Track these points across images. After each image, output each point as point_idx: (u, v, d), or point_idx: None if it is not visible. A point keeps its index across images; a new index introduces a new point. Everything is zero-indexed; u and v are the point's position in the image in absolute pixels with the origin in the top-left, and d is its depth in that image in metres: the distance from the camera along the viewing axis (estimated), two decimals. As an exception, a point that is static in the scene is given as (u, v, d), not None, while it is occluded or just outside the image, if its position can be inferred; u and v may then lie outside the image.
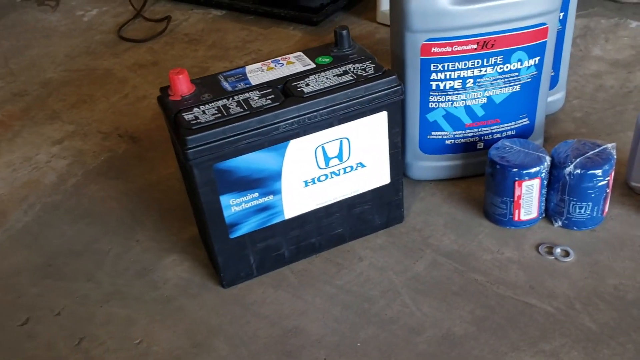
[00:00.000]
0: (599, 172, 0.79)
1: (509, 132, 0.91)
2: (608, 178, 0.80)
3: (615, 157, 0.81)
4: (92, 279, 0.87)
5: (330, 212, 0.82)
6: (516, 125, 0.90)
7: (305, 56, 0.81)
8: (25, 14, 1.71)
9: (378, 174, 0.82)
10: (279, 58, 0.82)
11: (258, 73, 0.79)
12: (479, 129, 0.89)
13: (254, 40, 1.44)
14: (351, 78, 0.75)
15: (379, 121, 0.77)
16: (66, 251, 0.92)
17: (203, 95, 0.75)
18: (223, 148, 0.70)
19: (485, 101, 0.87)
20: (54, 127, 1.20)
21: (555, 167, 0.81)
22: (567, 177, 0.80)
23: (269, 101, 0.73)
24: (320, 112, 0.73)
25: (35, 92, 1.33)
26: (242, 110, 0.71)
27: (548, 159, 0.81)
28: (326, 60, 0.80)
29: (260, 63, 0.81)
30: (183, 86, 0.75)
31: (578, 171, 0.79)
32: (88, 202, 1.00)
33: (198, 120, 0.70)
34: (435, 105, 0.87)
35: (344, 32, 0.80)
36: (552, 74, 1.00)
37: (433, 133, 0.89)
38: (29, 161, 1.12)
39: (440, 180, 0.94)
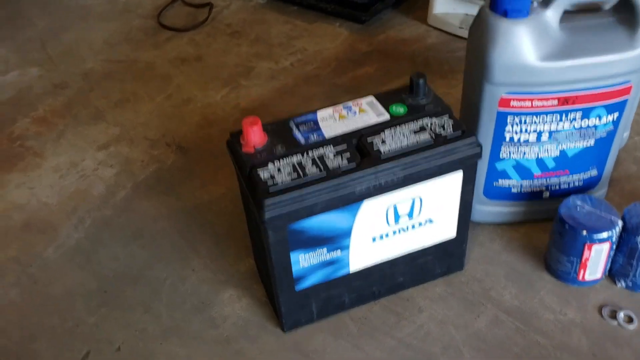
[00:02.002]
0: (673, 242, 0.77)
1: (576, 183, 0.89)
2: (681, 248, 0.78)
3: (689, 224, 0.79)
4: (149, 310, 0.86)
5: (393, 264, 0.80)
6: (584, 177, 0.88)
7: (377, 102, 0.79)
8: (59, -11, 1.66)
9: (445, 229, 0.80)
10: (350, 104, 0.79)
11: (330, 122, 0.76)
12: (547, 179, 0.87)
13: (299, 36, 1.40)
14: (429, 137, 0.73)
15: (454, 180, 0.75)
16: (121, 276, 0.91)
17: (276, 147, 0.73)
18: (298, 211, 0.69)
19: (558, 154, 0.84)
20: (98, 128, 1.18)
21: (626, 231, 0.79)
22: (639, 244, 0.78)
23: (345, 161, 0.70)
24: (397, 174, 0.71)
25: (76, 84, 1.30)
26: (318, 170, 0.69)
27: (620, 223, 0.79)
28: (400, 110, 0.77)
29: (332, 108, 0.78)
30: (257, 138, 0.73)
31: (652, 240, 0.77)
32: (139, 220, 0.99)
33: (274, 182, 0.68)
34: (507, 155, 0.84)
35: (421, 80, 0.77)
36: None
37: (500, 181, 0.87)
38: (76, 167, 1.10)
39: (499, 223, 0.93)
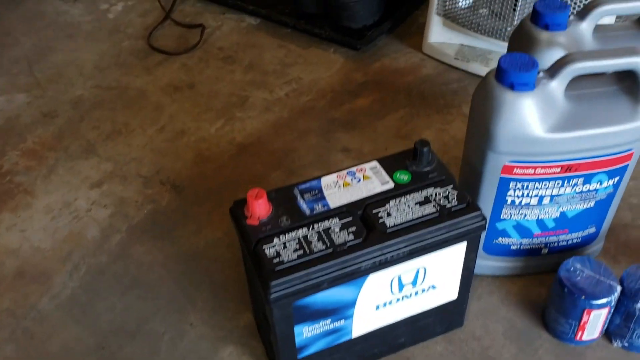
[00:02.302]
0: (671, 310, 0.78)
1: (575, 240, 0.89)
2: (678, 314, 0.79)
3: (686, 290, 0.80)
4: (148, 369, 0.86)
5: (395, 327, 0.81)
6: (583, 234, 0.89)
7: (381, 168, 0.78)
8: (44, 2, 1.62)
9: (447, 292, 0.81)
10: (354, 169, 0.78)
11: (335, 190, 0.76)
12: (546, 238, 0.88)
13: (293, 63, 1.38)
14: (434, 210, 0.73)
15: (458, 250, 0.75)
16: (118, 330, 0.90)
17: (281, 218, 0.72)
18: (304, 289, 0.68)
19: (558, 215, 0.85)
20: (90, 163, 1.16)
21: (624, 295, 0.80)
22: (637, 311, 0.79)
23: (351, 236, 0.70)
24: (403, 249, 0.71)
25: (66, 113, 1.28)
26: (324, 247, 0.69)
27: (619, 288, 0.80)
28: (404, 177, 0.77)
29: (336, 175, 0.78)
30: (262, 210, 0.72)
31: (650, 307, 0.78)
32: (135, 268, 0.98)
33: (280, 259, 0.68)
34: (507, 216, 0.84)
35: (425, 149, 0.77)
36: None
37: (500, 239, 0.88)
38: (69, 208, 1.08)
39: (498, 276, 0.94)
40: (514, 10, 1.23)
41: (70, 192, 1.11)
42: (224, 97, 1.30)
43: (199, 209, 1.07)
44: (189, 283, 0.96)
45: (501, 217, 0.85)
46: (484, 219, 0.74)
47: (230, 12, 1.55)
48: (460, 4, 1.28)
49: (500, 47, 1.29)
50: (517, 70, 0.73)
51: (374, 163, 0.79)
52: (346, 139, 1.19)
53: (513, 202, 0.82)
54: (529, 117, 0.74)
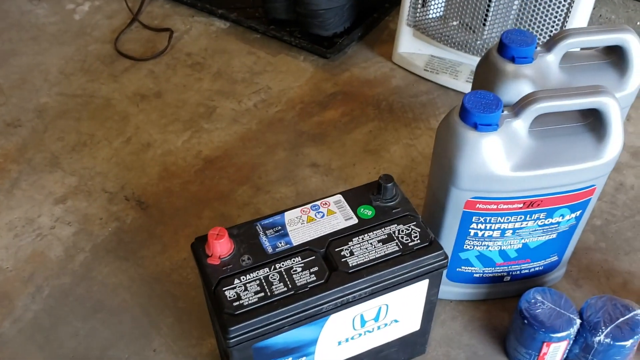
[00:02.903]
0: (628, 343, 0.80)
1: (537, 268, 0.90)
2: (635, 347, 0.81)
3: (643, 323, 0.81)
4: (110, 398, 0.86)
5: (358, 358, 0.81)
6: (545, 263, 0.90)
7: (345, 203, 0.78)
8: (8, 1, 1.57)
9: (409, 324, 0.81)
10: (318, 204, 0.78)
11: (298, 226, 0.75)
12: (509, 267, 0.89)
13: (262, 71, 1.37)
14: (397, 249, 0.73)
15: (420, 287, 0.76)
16: (81, 357, 0.89)
17: (242, 256, 0.72)
18: (264, 332, 0.68)
19: (520, 246, 0.86)
20: (54, 177, 1.14)
21: (583, 327, 0.82)
22: (596, 344, 0.81)
23: (313, 277, 0.70)
24: (365, 289, 0.71)
25: (29, 122, 1.25)
26: (285, 288, 0.69)
27: (578, 322, 0.81)
28: (368, 212, 0.77)
29: (300, 209, 0.77)
30: (223, 249, 0.71)
31: (608, 340, 0.80)
32: (99, 291, 0.97)
33: (240, 302, 0.67)
34: (470, 247, 0.85)
35: (389, 185, 0.77)
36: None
37: (463, 267, 0.88)
38: (32, 224, 1.06)
39: (461, 300, 0.94)
40: (484, 24, 1.22)
41: (33, 207, 1.09)
42: (191, 107, 1.28)
43: (164, 228, 1.06)
44: (153, 307, 0.95)
45: (464, 247, 0.85)
46: (446, 257, 0.74)
47: (200, 14, 1.53)
48: (431, 14, 1.27)
49: (470, 60, 1.29)
50: (480, 111, 0.72)
51: (338, 197, 0.79)
52: (314, 154, 1.18)
53: (476, 234, 0.83)
54: (492, 156, 0.74)
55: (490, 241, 0.84)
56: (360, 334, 0.77)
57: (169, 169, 1.16)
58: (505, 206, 0.79)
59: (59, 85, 1.34)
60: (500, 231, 0.82)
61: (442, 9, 1.26)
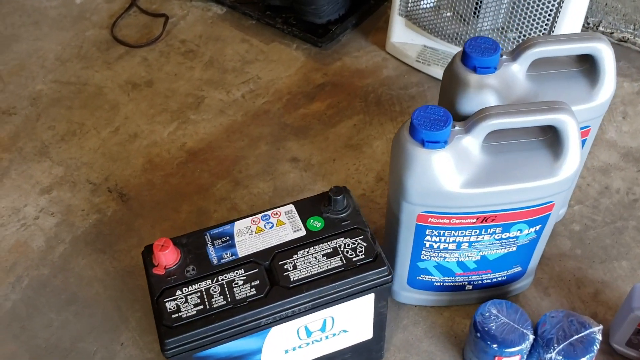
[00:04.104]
0: (579, 362, 0.79)
1: (499, 279, 0.89)
2: (588, 365, 0.80)
3: (599, 341, 0.80)
4: (76, 390, 0.89)
5: (310, 365, 0.83)
6: (508, 273, 0.89)
7: (296, 213, 0.78)
8: (14, -17, 1.59)
9: (361, 333, 0.82)
10: (269, 214, 0.78)
11: (246, 237, 0.76)
12: (469, 277, 0.88)
13: (254, 60, 1.36)
14: (341, 263, 0.73)
15: (366, 300, 0.76)
16: (52, 348, 0.93)
17: (188, 267, 0.73)
18: (203, 343, 0.70)
19: (479, 258, 0.85)
20: (42, 167, 1.17)
21: (537, 343, 0.81)
22: (547, 360, 0.80)
23: (253, 290, 0.71)
24: (306, 304, 0.72)
25: (24, 110, 1.28)
26: (224, 302, 0.70)
27: (532, 337, 0.80)
28: (317, 224, 0.77)
29: (250, 219, 0.78)
30: (167, 260, 0.73)
31: (559, 358, 0.79)
32: (75, 283, 1.00)
33: (179, 315, 0.69)
34: (427, 258, 0.85)
35: (339, 197, 0.77)
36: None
37: (422, 276, 0.88)
38: (17, 214, 1.10)
39: (424, 306, 0.94)
40: (476, 15, 1.19)
41: (20, 197, 1.13)
42: (180, 97, 1.29)
43: (142, 221, 1.08)
44: (124, 301, 0.98)
45: (421, 257, 0.85)
46: (390, 273, 0.74)
47: (198, -1, 1.52)
48: (423, 4, 1.24)
49: (462, 52, 1.26)
50: (427, 128, 0.71)
51: (290, 207, 0.79)
52: (296, 148, 1.18)
53: (431, 246, 0.82)
54: (441, 173, 0.73)
55: (447, 253, 0.83)
56: (307, 343, 0.78)
57: (152, 160, 1.17)
58: (457, 221, 0.78)
59: (54, 72, 1.36)
60: (455, 244, 0.82)
61: (434, -1, 1.23)
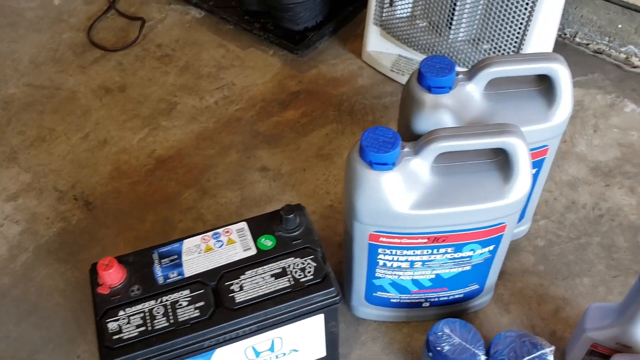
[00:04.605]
0: (529, 384, 0.78)
1: (456, 296, 0.89)
2: (538, 387, 0.80)
3: (550, 363, 0.80)
4: (30, 402, 0.89)
5: (261, 382, 0.82)
6: (465, 291, 0.88)
7: (248, 231, 0.78)
8: (-7, -16, 1.59)
9: (313, 352, 0.81)
10: (220, 232, 0.78)
11: (194, 256, 0.76)
12: (426, 294, 0.88)
13: (229, 66, 1.35)
14: (288, 284, 0.73)
15: (316, 321, 0.76)
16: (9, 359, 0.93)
17: (133, 287, 0.73)
18: (146, 363, 0.70)
19: (434, 276, 0.84)
20: (10, 173, 1.17)
21: (490, 363, 0.81)
22: (498, 382, 0.80)
23: (197, 312, 0.71)
24: (251, 326, 0.71)
25: (-5, 114, 1.28)
26: (167, 323, 0.70)
27: (483, 358, 0.80)
28: (268, 243, 0.76)
29: (200, 237, 0.78)
30: (112, 279, 0.72)
31: (509, 380, 0.79)
32: (35, 294, 1.00)
33: (120, 336, 0.69)
34: (382, 275, 0.84)
35: (290, 216, 0.76)
36: (518, 213, 0.96)
37: (379, 293, 0.88)
38: (-18, 221, 1.10)
39: (383, 321, 0.94)
40: (449, 27, 1.18)
41: (-14, 204, 1.13)
42: (152, 102, 1.29)
43: (106, 230, 1.08)
44: (83, 312, 0.97)
45: (376, 275, 0.84)
46: (339, 294, 0.73)
47: (177, 2, 1.51)
48: (398, 14, 1.23)
49: (436, 62, 1.25)
50: (375, 150, 0.71)
51: (242, 224, 0.79)
52: (267, 157, 1.17)
53: (384, 264, 0.82)
54: (390, 194, 0.73)
55: (401, 271, 0.83)
56: (256, 362, 0.78)
57: (120, 168, 1.17)
58: (409, 240, 0.78)
59: (28, 75, 1.35)
60: (408, 263, 0.81)
61: (409, 8, 1.22)
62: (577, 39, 1.36)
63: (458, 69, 0.86)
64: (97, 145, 1.21)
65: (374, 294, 0.88)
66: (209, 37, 1.43)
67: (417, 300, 0.89)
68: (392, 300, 0.89)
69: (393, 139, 0.72)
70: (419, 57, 1.27)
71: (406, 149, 0.73)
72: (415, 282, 0.85)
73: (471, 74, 0.80)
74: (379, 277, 0.85)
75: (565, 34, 1.37)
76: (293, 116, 1.25)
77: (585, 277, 0.98)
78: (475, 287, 0.88)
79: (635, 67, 1.30)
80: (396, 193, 0.73)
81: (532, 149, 0.84)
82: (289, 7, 1.34)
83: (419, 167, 0.73)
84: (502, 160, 0.75)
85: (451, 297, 0.89)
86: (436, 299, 0.89)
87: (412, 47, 1.24)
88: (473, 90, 0.81)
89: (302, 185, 1.13)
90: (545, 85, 0.82)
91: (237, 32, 1.43)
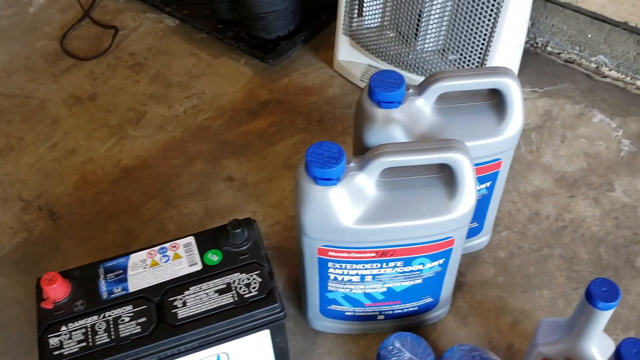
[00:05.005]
0: (477, 399, 0.78)
1: (411, 309, 0.89)
2: (487, 402, 0.80)
3: (500, 378, 0.80)
4: (-17, 414, 0.89)
5: (211, 396, 0.82)
6: (419, 304, 0.88)
7: (195, 246, 0.78)
8: (-32, -10, 1.59)
9: (262, 365, 0.81)
10: (167, 246, 0.78)
11: (140, 271, 0.75)
12: (379, 307, 0.88)
13: (200, 75, 1.35)
14: (231, 300, 0.72)
15: (262, 336, 0.75)
16: (-36, 371, 0.93)
17: (77, 302, 0.73)
18: (86, 379, 0.69)
19: (385, 290, 0.84)
20: (-24, 183, 1.17)
21: (440, 377, 0.81)
22: (447, 396, 0.79)
23: (138, 328, 0.70)
24: (193, 343, 0.71)
25: (-36, 124, 1.28)
26: (108, 339, 0.69)
27: (433, 373, 0.80)
28: (215, 258, 0.76)
29: (147, 252, 0.77)
30: (55, 294, 0.72)
31: (457, 395, 0.78)
32: (-5, 304, 1.00)
33: (61, 352, 0.69)
34: (334, 289, 0.84)
35: (237, 231, 0.76)
36: (475, 225, 0.96)
37: (333, 306, 0.88)
38: (-55, 232, 1.10)
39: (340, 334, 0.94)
40: (416, 37, 1.18)
41: (-49, 214, 1.13)
42: (122, 111, 1.29)
43: (69, 241, 1.08)
44: (42, 324, 0.97)
45: (328, 288, 0.84)
46: (282, 310, 0.73)
47: (151, 11, 1.51)
48: (366, 24, 1.23)
49: (405, 73, 1.25)
50: (319, 166, 0.71)
51: (190, 239, 0.79)
52: (233, 167, 1.17)
53: (335, 278, 0.82)
54: (335, 209, 0.73)
55: (352, 285, 0.83)
56: (204, 376, 0.78)
57: (86, 177, 1.17)
58: (357, 255, 0.78)
59: (-1, 84, 1.36)
60: (359, 277, 0.81)
61: (378, 18, 1.22)
62: (549, 48, 1.36)
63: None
64: (64, 155, 1.21)
65: (328, 307, 0.88)
66: (182, 45, 1.43)
67: (371, 313, 0.89)
68: (346, 313, 0.89)
69: (338, 154, 0.71)
70: (388, 67, 1.27)
71: (352, 164, 0.73)
72: (368, 295, 0.85)
73: (421, 89, 0.80)
74: (332, 291, 0.85)
75: (537, 43, 1.37)
76: (262, 125, 1.25)
77: (545, 290, 0.98)
78: (429, 300, 0.88)
79: (605, 76, 1.30)
80: (341, 208, 0.73)
81: (484, 163, 0.84)
82: (260, 16, 1.34)
83: (365, 182, 0.73)
84: (447, 175, 0.75)
85: (406, 310, 0.89)
86: (390, 312, 0.89)
87: (379, 58, 1.24)
88: (423, 105, 0.81)
89: (267, 195, 1.13)
90: (496, 99, 0.82)
91: (209, 41, 1.43)
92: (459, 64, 1.16)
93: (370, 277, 0.81)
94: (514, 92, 0.80)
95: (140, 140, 1.23)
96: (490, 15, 1.08)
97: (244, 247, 0.77)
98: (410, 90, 0.81)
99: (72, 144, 1.23)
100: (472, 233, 0.97)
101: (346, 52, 1.31)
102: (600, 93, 1.27)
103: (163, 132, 1.24)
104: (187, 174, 1.17)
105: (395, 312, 0.89)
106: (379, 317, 0.90)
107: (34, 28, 1.49)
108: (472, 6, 1.09)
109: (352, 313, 0.89)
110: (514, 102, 0.80)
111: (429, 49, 1.18)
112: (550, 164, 1.15)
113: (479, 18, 1.10)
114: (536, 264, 1.01)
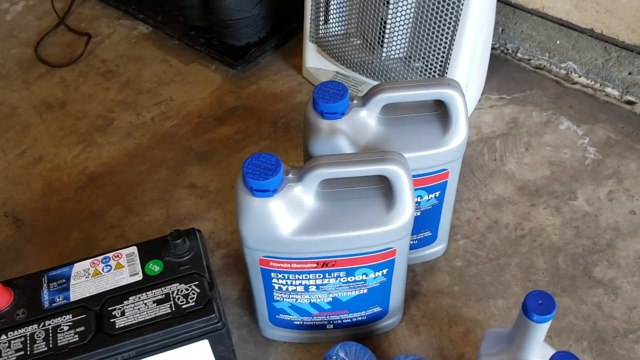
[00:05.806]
0: (418, 410, 0.79)
1: (360, 318, 0.89)
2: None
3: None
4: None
5: (157, 404, 0.83)
6: (367, 313, 0.89)
7: (137, 256, 0.78)
8: (-53, -2, 1.61)
9: (207, 375, 0.82)
10: (110, 256, 0.79)
11: (82, 280, 0.76)
12: (327, 317, 0.88)
13: (170, 82, 1.36)
14: (169, 311, 0.73)
15: (201, 346, 0.76)
16: None
17: (19, 310, 0.74)
18: (23, 389, 0.70)
19: (331, 299, 0.85)
20: (-57, 189, 1.18)
21: (384, 387, 0.81)
22: (388, 407, 0.80)
23: (76, 337, 0.71)
24: (130, 352, 0.72)
25: None
26: (46, 348, 0.70)
27: (375, 383, 0.80)
28: (156, 268, 0.77)
29: (90, 261, 0.78)
30: (-2, 302, 0.73)
31: (399, 405, 0.79)
32: (-46, 311, 1.01)
33: (-1, 361, 0.70)
34: (280, 299, 0.84)
35: (178, 242, 0.77)
36: (428, 234, 0.97)
37: (281, 315, 0.88)
38: None
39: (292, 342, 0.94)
40: (381, 45, 1.18)
41: None
42: (90, 119, 1.29)
43: (32, 248, 1.09)
44: (-1, 331, 0.98)
45: (274, 298, 0.85)
46: (220, 320, 0.74)
47: (125, 17, 1.52)
48: (332, 32, 1.24)
49: (372, 81, 1.25)
50: (255, 177, 0.71)
51: (133, 249, 0.79)
52: (196, 174, 1.18)
53: (280, 288, 0.82)
54: (272, 220, 0.73)
55: (297, 295, 0.83)
56: (146, 385, 0.79)
57: (52, 185, 1.18)
58: (298, 265, 0.78)
59: (-28, 91, 1.37)
60: (302, 287, 0.82)
61: (344, 26, 1.23)
62: (519, 55, 1.36)
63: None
64: (32, 161, 1.22)
65: (277, 316, 0.88)
66: (154, 52, 1.44)
67: (320, 323, 0.89)
68: (295, 322, 0.89)
69: (274, 165, 0.72)
70: (354, 74, 1.27)
71: (290, 176, 0.74)
72: (314, 305, 0.85)
73: (365, 100, 0.81)
74: (278, 300, 0.85)
75: (508, 50, 1.37)
76: (228, 132, 1.26)
77: (499, 299, 0.98)
78: (377, 309, 0.88)
79: (574, 83, 1.30)
80: (279, 219, 0.73)
81: (431, 173, 0.85)
82: (229, 23, 1.35)
83: (303, 193, 0.74)
84: (387, 186, 0.75)
85: (354, 320, 0.89)
86: (339, 322, 0.89)
87: (345, 65, 1.24)
88: (368, 116, 0.81)
89: (228, 203, 1.13)
90: (442, 109, 0.82)
91: (181, 48, 1.44)
92: (423, 71, 1.16)
93: (314, 287, 0.82)
94: (458, 103, 0.80)
95: (107, 147, 1.24)
96: (450, 22, 1.08)
97: (186, 258, 0.78)
98: (355, 102, 0.81)
99: (40, 151, 1.24)
100: (426, 242, 0.97)
101: (314, 59, 1.31)
102: (569, 100, 1.27)
103: (130, 139, 1.25)
104: (150, 181, 1.17)
105: (344, 321, 0.89)
106: (328, 327, 0.90)
107: (10, 35, 1.50)
108: (433, 14, 1.10)
109: (301, 322, 0.89)
110: (459, 113, 0.80)
111: (394, 56, 1.18)
112: (513, 172, 1.15)
113: (439, 25, 1.10)
114: (492, 273, 1.01)
